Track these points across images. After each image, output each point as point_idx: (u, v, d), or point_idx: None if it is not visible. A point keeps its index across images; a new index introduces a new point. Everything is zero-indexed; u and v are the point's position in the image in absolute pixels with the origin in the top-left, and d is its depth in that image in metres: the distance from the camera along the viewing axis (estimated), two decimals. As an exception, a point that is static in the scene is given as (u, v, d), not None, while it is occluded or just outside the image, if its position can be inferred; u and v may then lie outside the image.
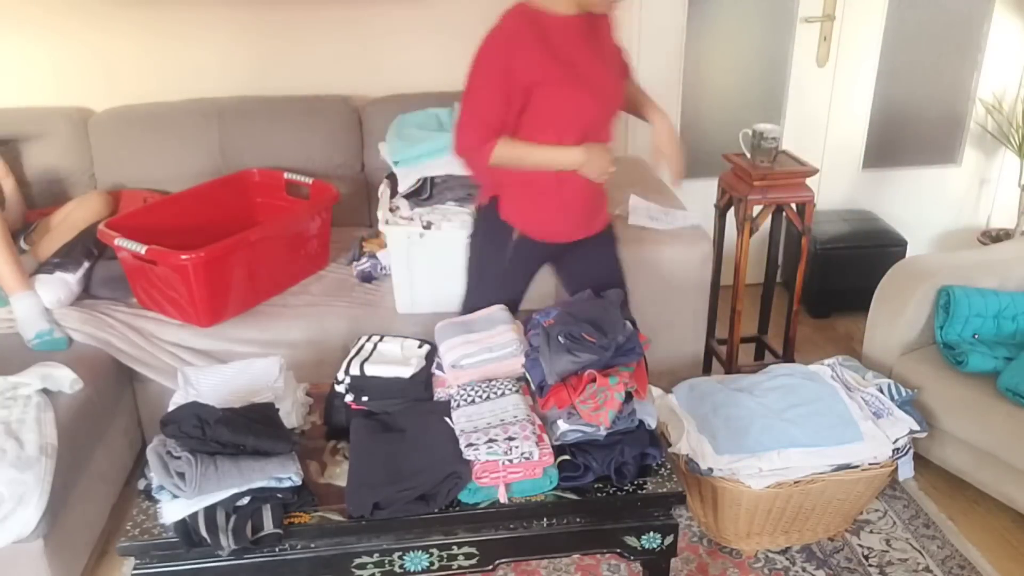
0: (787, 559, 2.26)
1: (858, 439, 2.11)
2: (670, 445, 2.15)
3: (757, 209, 2.72)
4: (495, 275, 2.19)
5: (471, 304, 2.19)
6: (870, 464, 2.13)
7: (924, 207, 3.83)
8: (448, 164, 2.39)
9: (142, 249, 2.33)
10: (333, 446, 1.86)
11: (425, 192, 2.40)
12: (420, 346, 2.06)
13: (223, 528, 1.58)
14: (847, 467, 2.11)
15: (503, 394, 1.84)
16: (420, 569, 1.71)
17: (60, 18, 2.97)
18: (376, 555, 1.68)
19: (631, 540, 1.76)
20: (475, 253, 2.22)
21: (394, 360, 1.99)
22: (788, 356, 2.94)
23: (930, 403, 2.38)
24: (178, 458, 1.58)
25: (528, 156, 2.04)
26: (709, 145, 3.36)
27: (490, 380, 1.90)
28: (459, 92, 3.00)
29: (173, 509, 1.60)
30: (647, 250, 2.64)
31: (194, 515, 1.59)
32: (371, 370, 1.93)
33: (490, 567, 1.74)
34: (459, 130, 2.03)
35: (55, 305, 2.43)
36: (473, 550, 1.71)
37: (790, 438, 2.09)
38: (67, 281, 2.49)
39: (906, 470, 2.16)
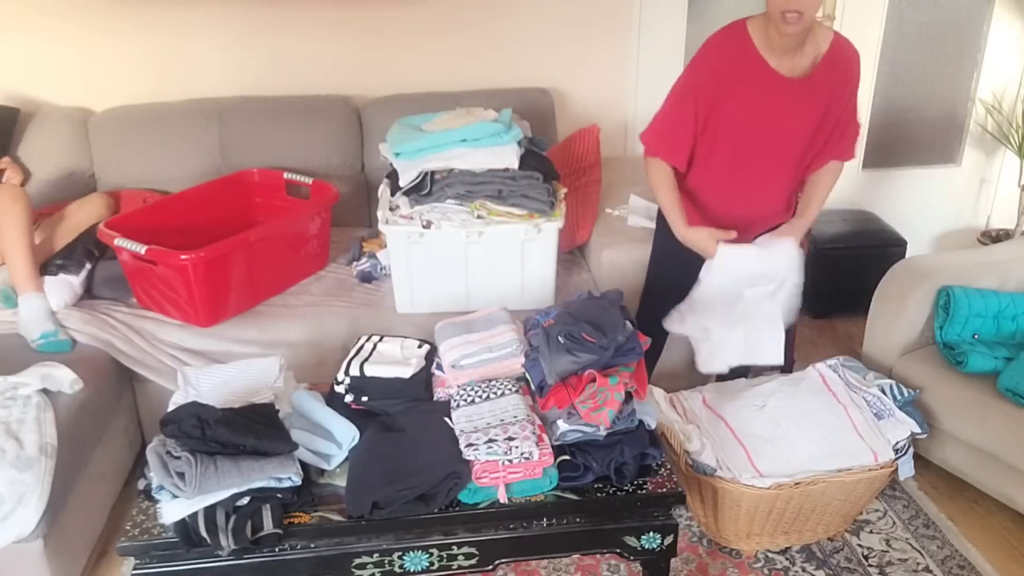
0: (787, 559, 2.26)
1: (858, 448, 2.12)
2: (670, 447, 2.15)
3: (757, 209, 2.72)
4: (675, 264, 2.31)
5: (653, 291, 2.42)
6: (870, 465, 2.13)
7: (924, 207, 3.82)
8: (449, 159, 2.39)
9: (142, 249, 2.33)
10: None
11: (425, 188, 2.39)
12: (420, 346, 2.06)
13: (223, 528, 1.58)
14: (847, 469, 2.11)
15: (503, 394, 1.84)
16: (420, 569, 1.71)
17: (60, 18, 2.97)
18: (376, 555, 1.68)
19: (631, 540, 1.76)
20: (658, 242, 2.41)
21: (394, 360, 1.99)
22: (788, 357, 2.93)
23: (930, 403, 2.38)
24: (178, 458, 1.58)
25: (662, 188, 2.27)
26: (709, 145, 3.36)
27: (490, 380, 1.91)
28: (459, 92, 3.03)
29: (173, 509, 1.60)
30: (647, 250, 2.63)
31: (194, 515, 1.59)
32: (371, 370, 1.93)
33: (490, 567, 1.74)
34: (652, 133, 2.25)
35: (60, 307, 2.43)
36: (473, 550, 1.71)
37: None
38: (71, 283, 2.49)
39: (906, 470, 2.16)
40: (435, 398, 1.94)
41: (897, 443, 2.14)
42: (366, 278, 2.70)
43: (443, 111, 2.67)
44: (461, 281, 2.49)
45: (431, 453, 1.72)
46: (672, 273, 2.33)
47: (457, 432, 1.76)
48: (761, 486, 2.05)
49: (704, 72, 2.16)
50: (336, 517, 1.66)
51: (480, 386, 1.88)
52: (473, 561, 1.72)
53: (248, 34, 3.09)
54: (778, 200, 2.32)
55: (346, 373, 1.94)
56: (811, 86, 2.14)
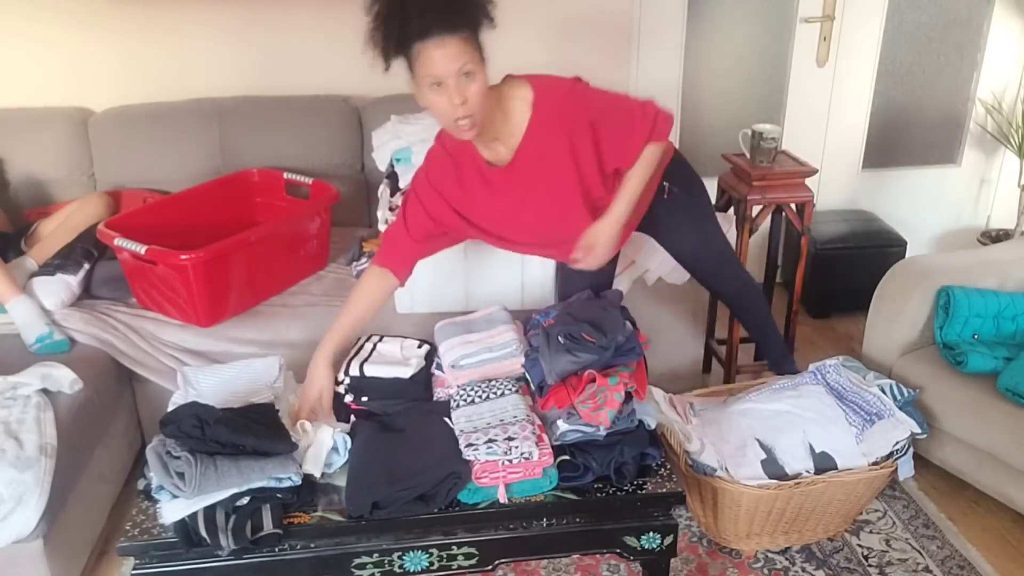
0: (787, 559, 2.26)
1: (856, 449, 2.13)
2: (671, 447, 2.15)
3: (756, 209, 2.72)
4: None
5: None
6: (870, 465, 2.13)
7: (924, 207, 3.83)
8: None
9: (142, 249, 2.33)
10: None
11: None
12: (420, 346, 2.06)
13: (223, 528, 1.58)
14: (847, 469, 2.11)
15: (503, 394, 1.84)
16: (420, 569, 1.71)
17: (60, 18, 2.97)
18: (376, 555, 1.68)
19: (631, 540, 1.76)
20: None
21: (394, 360, 1.99)
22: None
23: (930, 403, 2.38)
24: (177, 458, 1.58)
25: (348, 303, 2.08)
26: (708, 145, 3.36)
27: (490, 380, 1.91)
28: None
29: (172, 509, 1.60)
30: (647, 250, 2.64)
31: (194, 515, 1.59)
32: (371, 370, 1.93)
33: (490, 567, 1.74)
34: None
35: (57, 307, 2.43)
36: (473, 550, 1.71)
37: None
38: (68, 282, 2.48)
39: (906, 470, 2.16)
40: (435, 398, 1.94)
41: (897, 443, 2.14)
42: (366, 278, 2.69)
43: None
44: (461, 281, 2.49)
45: (431, 453, 1.72)
46: None
47: (457, 432, 1.76)
48: (761, 486, 2.05)
49: (431, 192, 1.97)
50: (336, 517, 1.66)
51: (480, 386, 1.88)
52: (473, 561, 1.72)
53: (248, 34, 3.09)
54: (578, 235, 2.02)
55: (346, 373, 1.94)
56: (543, 159, 1.88)
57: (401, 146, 2.45)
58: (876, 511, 2.43)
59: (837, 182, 3.71)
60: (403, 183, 2.42)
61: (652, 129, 1.94)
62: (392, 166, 2.50)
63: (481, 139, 1.87)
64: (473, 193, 1.96)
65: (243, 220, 2.72)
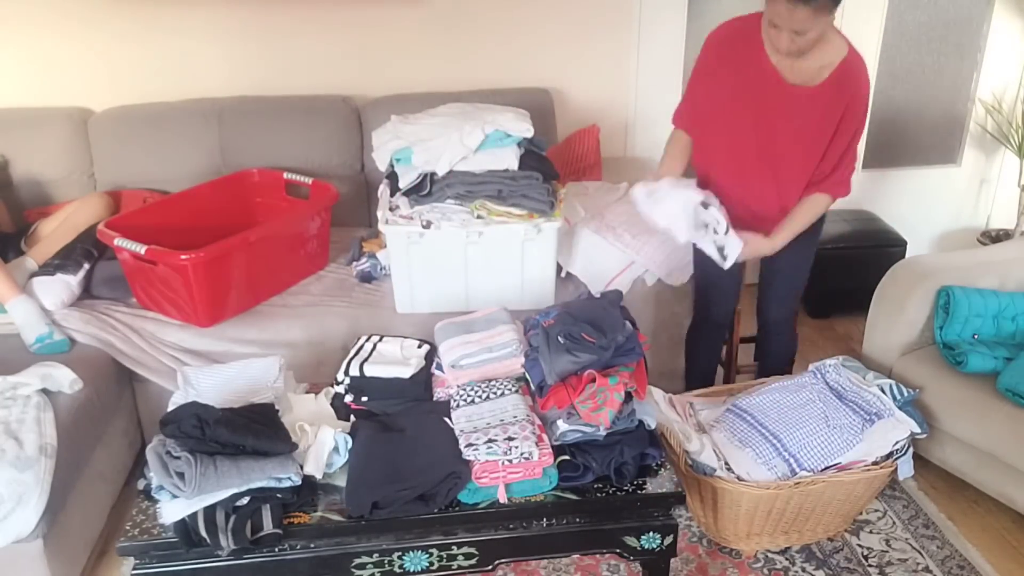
0: (787, 559, 2.26)
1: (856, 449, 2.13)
2: (671, 447, 2.15)
3: (757, 209, 2.72)
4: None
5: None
6: (870, 464, 2.13)
7: (924, 207, 3.83)
8: (447, 159, 2.38)
9: (142, 249, 2.33)
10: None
11: (425, 188, 2.39)
12: (420, 346, 2.06)
13: (223, 528, 1.58)
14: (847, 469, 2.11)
15: (503, 394, 1.84)
16: (420, 569, 1.71)
17: (60, 18, 2.97)
18: (376, 555, 1.68)
19: (631, 540, 1.76)
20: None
21: (394, 360, 1.99)
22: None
23: (930, 403, 2.38)
24: (178, 458, 1.59)
25: (666, 150, 2.40)
26: (709, 145, 3.36)
27: (490, 380, 1.91)
28: (459, 92, 3.03)
29: (172, 509, 1.60)
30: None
31: (193, 515, 1.59)
32: (371, 370, 1.93)
33: (490, 567, 1.74)
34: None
35: (57, 307, 2.43)
36: (473, 550, 1.71)
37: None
38: (68, 283, 2.48)
39: (906, 470, 2.16)
40: (435, 398, 1.94)
41: (897, 443, 2.14)
42: (366, 278, 2.70)
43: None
44: (461, 281, 2.49)
45: (431, 453, 1.72)
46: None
47: (457, 432, 1.76)
48: (761, 486, 2.05)
49: (710, 56, 2.23)
50: (336, 517, 1.66)
51: (480, 386, 1.88)
52: (473, 561, 1.72)
53: (248, 34, 3.09)
54: (785, 204, 2.30)
55: (346, 373, 1.94)
56: (812, 98, 2.13)
57: (401, 146, 2.45)
58: (876, 511, 2.43)
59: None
60: (403, 183, 2.42)
61: (849, 177, 2.26)
62: (392, 166, 2.50)
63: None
64: (754, 77, 2.15)
65: (243, 220, 2.72)
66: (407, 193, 2.42)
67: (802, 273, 2.50)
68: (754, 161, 2.25)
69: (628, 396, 1.77)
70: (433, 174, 2.40)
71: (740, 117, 2.20)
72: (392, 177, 2.51)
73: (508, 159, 2.38)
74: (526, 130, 2.41)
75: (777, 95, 2.15)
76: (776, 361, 2.62)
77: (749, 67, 2.15)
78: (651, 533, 1.76)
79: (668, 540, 1.78)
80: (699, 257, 2.44)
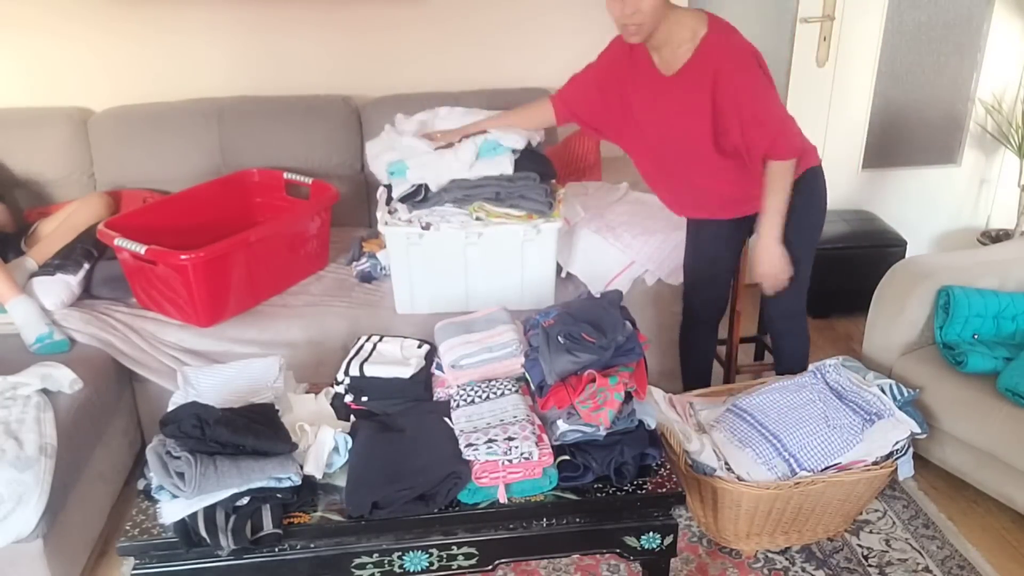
0: (787, 559, 2.26)
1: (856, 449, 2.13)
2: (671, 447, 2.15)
3: (757, 209, 2.72)
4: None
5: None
6: (870, 464, 2.13)
7: (924, 207, 3.83)
8: (444, 176, 2.39)
9: (142, 249, 2.33)
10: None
11: (420, 195, 2.39)
12: (420, 346, 2.06)
13: (222, 528, 1.58)
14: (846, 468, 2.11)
15: (503, 394, 1.84)
16: (420, 569, 1.71)
17: (60, 18, 2.97)
18: (376, 555, 1.68)
19: (631, 540, 1.76)
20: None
21: (394, 360, 1.99)
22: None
23: (930, 403, 2.38)
24: (177, 458, 1.59)
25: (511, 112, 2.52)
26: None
27: (490, 380, 1.91)
28: (458, 92, 3.03)
29: (172, 509, 1.60)
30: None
31: (193, 515, 1.59)
32: (371, 370, 1.93)
33: (490, 567, 1.74)
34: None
35: (57, 307, 2.43)
36: (473, 550, 1.71)
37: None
38: (68, 283, 2.48)
39: (906, 470, 2.16)
40: (435, 398, 1.94)
41: (897, 443, 2.14)
42: (366, 278, 2.70)
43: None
44: (461, 282, 2.49)
45: (431, 453, 1.72)
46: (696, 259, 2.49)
47: (457, 432, 1.76)
48: (761, 486, 2.05)
49: (605, 61, 2.34)
50: (336, 517, 1.66)
51: (480, 386, 1.88)
52: (473, 561, 1.72)
53: (248, 34, 3.09)
54: (724, 188, 2.30)
55: (346, 373, 1.94)
56: (681, 83, 2.15)
57: (395, 158, 2.44)
58: (876, 511, 2.43)
59: (837, 182, 3.68)
60: (397, 193, 2.42)
61: (777, 140, 2.14)
62: (387, 176, 2.49)
63: (648, 44, 2.16)
64: (636, 79, 2.24)
65: (243, 220, 2.72)
66: (403, 200, 2.42)
67: (800, 263, 2.34)
68: (668, 157, 2.30)
69: (628, 396, 1.77)
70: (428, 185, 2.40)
71: (641, 117, 2.27)
72: (389, 185, 2.50)
73: (503, 165, 2.38)
74: (516, 141, 2.41)
75: (656, 88, 2.20)
76: (790, 362, 2.55)
77: (636, 67, 2.23)
78: (651, 533, 1.76)
79: (668, 540, 1.78)
80: (688, 255, 2.48)
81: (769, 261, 2.27)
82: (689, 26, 2.12)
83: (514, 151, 2.41)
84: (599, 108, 2.36)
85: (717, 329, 2.67)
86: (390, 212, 2.45)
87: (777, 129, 2.14)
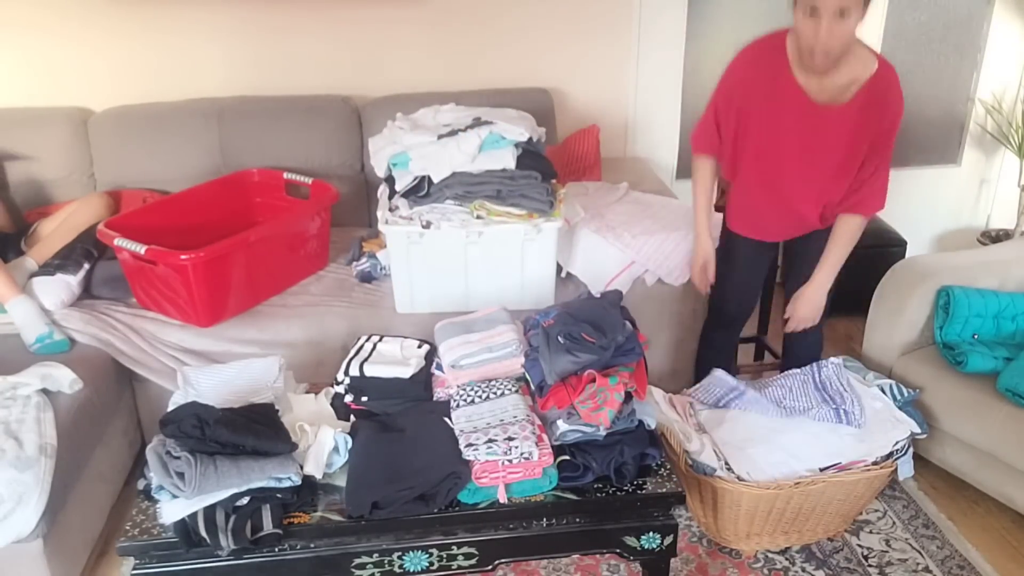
0: (787, 559, 2.26)
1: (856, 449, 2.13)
2: (670, 446, 2.15)
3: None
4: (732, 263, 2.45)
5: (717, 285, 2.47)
6: (870, 464, 2.13)
7: (924, 207, 3.83)
8: (446, 167, 2.38)
9: (142, 249, 2.33)
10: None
11: (423, 189, 2.39)
12: (420, 346, 2.06)
13: (222, 528, 1.58)
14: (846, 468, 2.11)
15: (503, 394, 1.84)
16: (420, 569, 1.71)
17: (60, 18, 2.97)
18: (376, 555, 1.68)
19: (631, 540, 1.76)
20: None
21: (394, 360, 1.99)
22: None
23: (930, 403, 2.38)
24: (177, 458, 1.59)
25: (695, 191, 2.39)
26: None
27: (490, 380, 1.91)
28: (459, 92, 3.03)
29: (172, 509, 1.60)
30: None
31: (193, 515, 1.59)
32: (371, 370, 1.93)
33: (490, 567, 1.74)
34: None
35: (57, 307, 2.43)
36: (473, 550, 1.71)
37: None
38: (68, 282, 2.48)
39: (906, 470, 2.16)
40: (435, 398, 1.94)
41: (897, 443, 2.14)
42: (366, 278, 2.70)
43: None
44: (461, 281, 2.49)
45: (431, 453, 1.72)
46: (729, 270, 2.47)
47: (457, 432, 1.76)
48: (761, 486, 2.05)
49: (735, 78, 2.21)
50: (336, 517, 1.66)
51: (480, 386, 1.88)
52: (473, 561, 1.72)
53: (248, 34, 3.09)
54: (811, 214, 2.30)
55: (346, 373, 1.94)
56: (840, 116, 2.09)
57: (398, 151, 2.44)
58: (876, 511, 2.43)
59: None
60: (399, 186, 2.42)
61: (880, 193, 2.23)
62: (389, 170, 2.50)
63: (817, 66, 2.03)
64: (773, 103, 2.13)
65: (243, 220, 2.72)
66: (405, 195, 2.42)
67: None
68: (787, 179, 2.23)
69: (628, 396, 1.77)
70: (430, 176, 2.40)
71: (772, 138, 2.18)
72: (391, 180, 2.51)
73: (505, 159, 2.38)
74: (520, 134, 2.41)
75: (804, 115, 2.11)
76: (800, 365, 2.50)
77: (775, 87, 2.12)
78: (651, 533, 1.76)
79: (668, 540, 1.78)
80: (720, 262, 2.45)
81: (811, 308, 2.36)
82: (863, 61, 2.08)
83: (516, 144, 2.41)
84: (734, 136, 2.28)
85: (741, 331, 2.67)
86: (391, 209, 2.45)
87: (884, 183, 2.23)
